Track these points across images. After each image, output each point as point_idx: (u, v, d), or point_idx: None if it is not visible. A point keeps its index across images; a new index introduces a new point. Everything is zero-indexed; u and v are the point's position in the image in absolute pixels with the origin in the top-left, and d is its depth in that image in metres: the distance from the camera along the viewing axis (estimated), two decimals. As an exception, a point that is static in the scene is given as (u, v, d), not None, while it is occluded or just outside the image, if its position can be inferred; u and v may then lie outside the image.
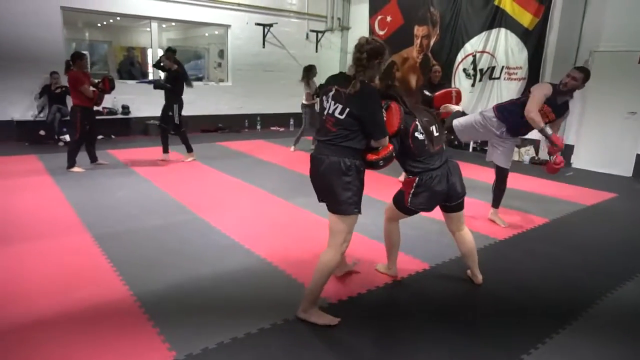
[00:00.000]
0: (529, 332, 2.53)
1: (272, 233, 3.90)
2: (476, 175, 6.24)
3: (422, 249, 3.62)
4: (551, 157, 4.02)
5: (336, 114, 2.35)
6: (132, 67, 9.76)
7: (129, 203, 4.59)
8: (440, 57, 9.05)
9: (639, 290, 3.13)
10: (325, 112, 2.41)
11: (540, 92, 3.88)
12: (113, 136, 8.54)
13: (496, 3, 8.00)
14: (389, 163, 2.47)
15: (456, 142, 8.18)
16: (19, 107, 7.77)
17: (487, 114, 4.19)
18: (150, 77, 6.45)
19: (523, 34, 7.69)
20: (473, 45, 8.51)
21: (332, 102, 2.37)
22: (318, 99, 2.63)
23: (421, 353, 2.32)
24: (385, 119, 2.46)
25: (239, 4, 9.70)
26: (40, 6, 7.58)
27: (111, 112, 8.54)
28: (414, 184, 2.67)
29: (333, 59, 11.26)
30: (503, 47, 8.02)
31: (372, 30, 10.30)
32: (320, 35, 11.03)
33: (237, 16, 9.80)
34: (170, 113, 6.36)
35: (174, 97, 6.36)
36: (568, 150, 7.43)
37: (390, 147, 2.44)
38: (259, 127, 10.44)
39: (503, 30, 7.99)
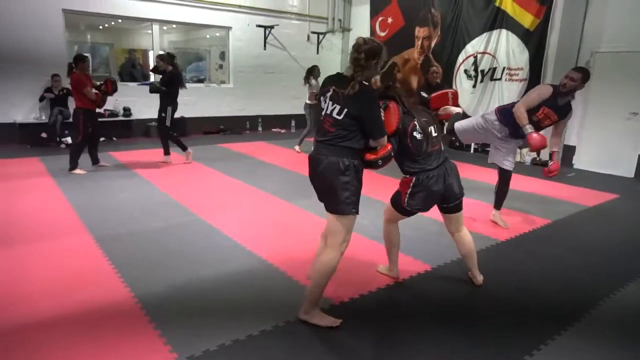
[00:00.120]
0: (531, 334, 2.52)
1: (273, 235, 3.90)
2: (477, 177, 6.24)
3: (423, 250, 3.62)
4: (549, 162, 4.05)
5: (334, 115, 2.36)
6: (133, 70, 9.80)
7: (131, 205, 4.59)
8: (442, 58, 9.06)
9: (641, 291, 3.12)
10: (324, 113, 2.42)
11: (535, 92, 3.95)
12: (114, 138, 8.57)
13: (497, 4, 8.00)
14: (387, 162, 2.48)
15: (457, 144, 8.17)
16: (21, 110, 7.80)
17: (488, 117, 4.18)
18: (152, 79, 6.48)
19: (524, 35, 7.69)
20: (474, 46, 8.51)
21: (330, 103, 2.38)
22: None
23: (422, 354, 2.31)
24: (383, 118, 2.47)
25: (240, 6, 9.72)
26: (42, 9, 7.61)
27: (113, 114, 8.57)
28: (411, 184, 2.68)
29: (334, 60, 11.27)
30: (504, 48, 8.02)
31: (373, 32, 10.31)
32: (321, 36, 11.04)
33: (238, 18, 9.82)
34: (163, 114, 6.37)
35: (168, 100, 6.36)
36: (570, 151, 7.42)
37: (389, 147, 2.45)
38: (260, 128, 10.45)
39: (504, 31, 7.98)
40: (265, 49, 10.32)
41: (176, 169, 6.34)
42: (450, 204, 2.82)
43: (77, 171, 5.82)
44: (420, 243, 3.75)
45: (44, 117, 7.87)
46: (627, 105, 6.80)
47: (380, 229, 3.09)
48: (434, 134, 2.72)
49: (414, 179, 2.68)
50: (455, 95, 4.96)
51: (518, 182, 5.58)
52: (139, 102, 8.68)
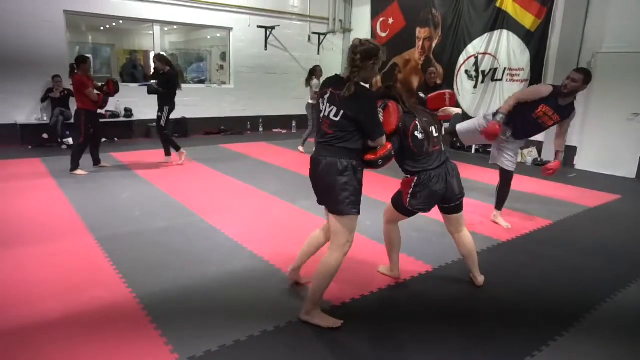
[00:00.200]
0: (532, 335, 2.52)
1: (275, 235, 3.90)
2: (479, 177, 6.24)
3: (424, 250, 3.62)
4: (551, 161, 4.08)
5: (331, 116, 2.36)
6: (134, 70, 9.81)
7: (132, 206, 4.60)
8: (442, 59, 9.06)
9: (642, 292, 3.12)
10: (322, 115, 2.42)
11: (532, 87, 4.09)
12: (116, 139, 8.58)
13: (498, 5, 8.01)
14: (387, 162, 2.48)
15: (458, 145, 8.17)
16: (22, 111, 7.81)
17: (490, 118, 4.18)
18: (153, 81, 6.50)
19: (525, 35, 7.69)
20: (475, 47, 8.52)
21: (328, 105, 2.39)
22: None
23: (423, 355, 2.31)
24: (382, 118, 2.47)
25: (240, 7, 9.73)
26: (44, 10, 7.63)
27: (114, 115, 8.59)
28: (413, 184, 2.69)
29: (335, 61, 11.27)
30: (505, 48, 8.02)
31: (374, 32, 10.33)
32: (322, 37, 11.05)
33: (239, 19, 9.84)
34: (160, 114, 6.38)
35: (165, 100, 6.37)
36: (571, 152, 7.41)
37: (389, 146, 2.45)
38: (261, 129, 10.46)
39: (505, 31, 7.99)
40: (266, 49, 10.34)
41: (177, 170, 6.34)
42: (451, 204, 2.83)
43: (79, 172, 5.83)
44: (422, 244, 3.75)
45: (45, 118, 7.88)
46: (629, 106, 6.79)
47: (381, 230, 3.09)
48: (435, 134, 2.73)
49: (416, 178, 2.68)
50: (452, 96, 4.97)
51: (519, 183, 5.58)
52: (140, 103, 8.69)
